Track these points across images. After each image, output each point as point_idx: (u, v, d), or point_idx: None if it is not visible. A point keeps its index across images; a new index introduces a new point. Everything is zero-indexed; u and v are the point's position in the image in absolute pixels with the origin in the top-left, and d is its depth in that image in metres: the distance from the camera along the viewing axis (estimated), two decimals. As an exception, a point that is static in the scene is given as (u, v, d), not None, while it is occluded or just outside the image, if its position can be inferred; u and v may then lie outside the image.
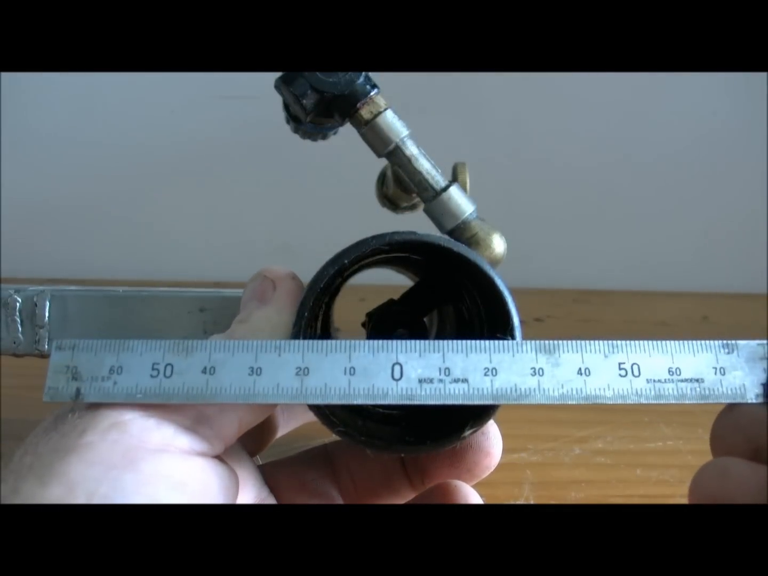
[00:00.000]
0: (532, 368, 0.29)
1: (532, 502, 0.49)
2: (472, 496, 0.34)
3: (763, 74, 0.73)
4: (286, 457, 0.37)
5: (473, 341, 0.29)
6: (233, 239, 0.86)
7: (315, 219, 0.84)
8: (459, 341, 0.29)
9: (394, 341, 0.29)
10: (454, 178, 0.37)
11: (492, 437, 0.34)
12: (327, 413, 0.30)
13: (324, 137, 0.40)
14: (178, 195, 0.84)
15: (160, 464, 0.26)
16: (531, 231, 0.83)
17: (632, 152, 0.84)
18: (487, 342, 0.29)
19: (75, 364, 0.28)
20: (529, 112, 0.82)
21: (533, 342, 0.29)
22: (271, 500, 0.34)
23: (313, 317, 0.32)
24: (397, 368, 0.28)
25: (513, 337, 0.30)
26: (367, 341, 0.29)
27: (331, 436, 0.31)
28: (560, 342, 0.29)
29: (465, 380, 0.28)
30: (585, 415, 0.58)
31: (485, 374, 0.28)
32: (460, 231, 0.35)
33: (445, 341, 0.29)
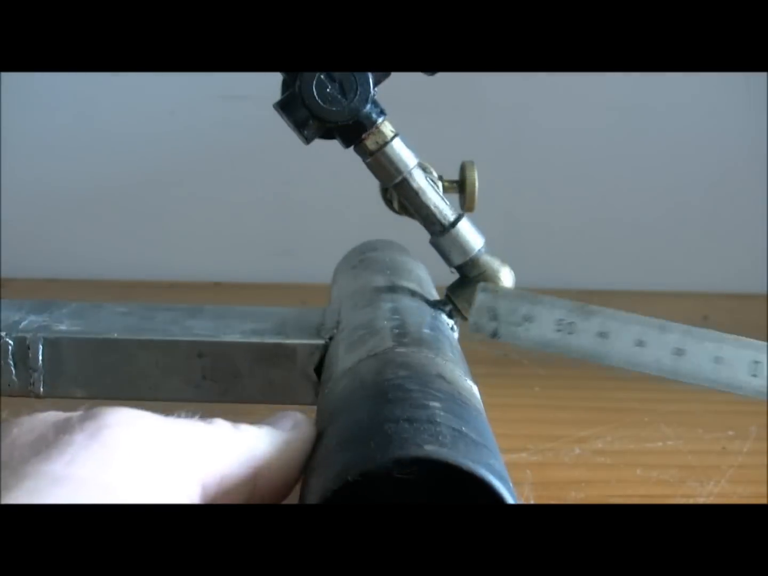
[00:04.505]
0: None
1: (532, 502, 0.49)
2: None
3: (763, 74, 0.73)
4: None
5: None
6: (233, 240, 0.86)
7: (315, 219, 0.84)
8: None
9: None
10: (462, 178, 0.37)
11: None
12: None
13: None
14: (178, 195, 0.84)
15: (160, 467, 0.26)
16: (532, 231, 0.83)
17: (633, 152, 0.84)
18: None
19: (495, 306, 0.32)
20: (530, 113, 0.82)
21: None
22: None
23: None
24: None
25: None
26: None
27: None
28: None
29: None
30: (585, 415, 0.58)
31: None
32: (468, 268, 0.35)
33: None
